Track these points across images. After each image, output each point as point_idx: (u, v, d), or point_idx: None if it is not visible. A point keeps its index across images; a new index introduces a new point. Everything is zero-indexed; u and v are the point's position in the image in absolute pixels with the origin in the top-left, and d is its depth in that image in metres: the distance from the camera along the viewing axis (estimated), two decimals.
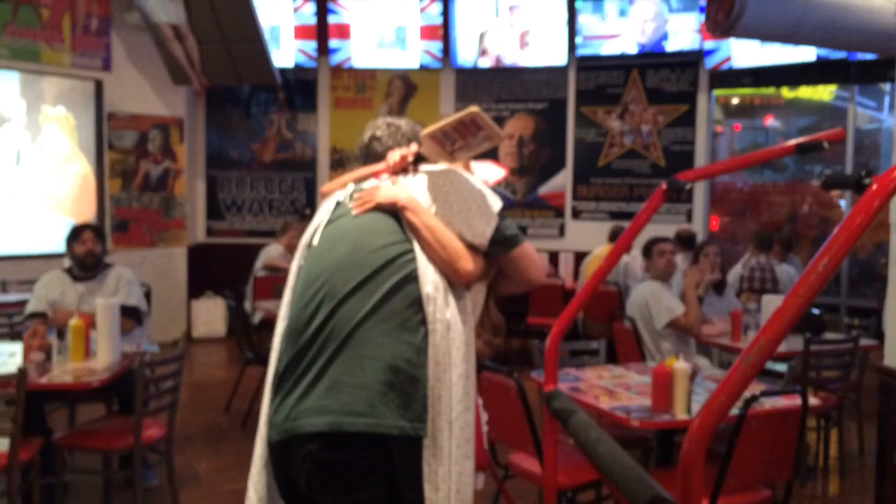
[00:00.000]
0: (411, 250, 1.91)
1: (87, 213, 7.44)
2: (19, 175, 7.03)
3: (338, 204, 2.06)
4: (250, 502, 1.91)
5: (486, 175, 2.23)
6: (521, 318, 7.13)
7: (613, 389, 3.32)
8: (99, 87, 7.56)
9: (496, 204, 2.03)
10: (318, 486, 1.79)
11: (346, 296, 1.84)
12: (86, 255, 4.24)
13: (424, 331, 1.84)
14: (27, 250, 6.93)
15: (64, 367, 3.57)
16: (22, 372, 3.13)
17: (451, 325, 1.87)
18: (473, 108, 1.95)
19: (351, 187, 2.10)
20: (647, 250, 4.56)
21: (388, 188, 2.00)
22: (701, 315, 4.44)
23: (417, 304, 1.86)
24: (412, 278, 1.88)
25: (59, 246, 4.63)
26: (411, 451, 1.79)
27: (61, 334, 3.75)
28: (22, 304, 4.62)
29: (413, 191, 2.00)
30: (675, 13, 7.94)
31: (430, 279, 1.88)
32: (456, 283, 1.93)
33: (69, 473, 3.75)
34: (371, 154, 2.19)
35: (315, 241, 1.99)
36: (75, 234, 4.30)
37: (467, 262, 1.93)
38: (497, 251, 2.02)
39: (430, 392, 1.82)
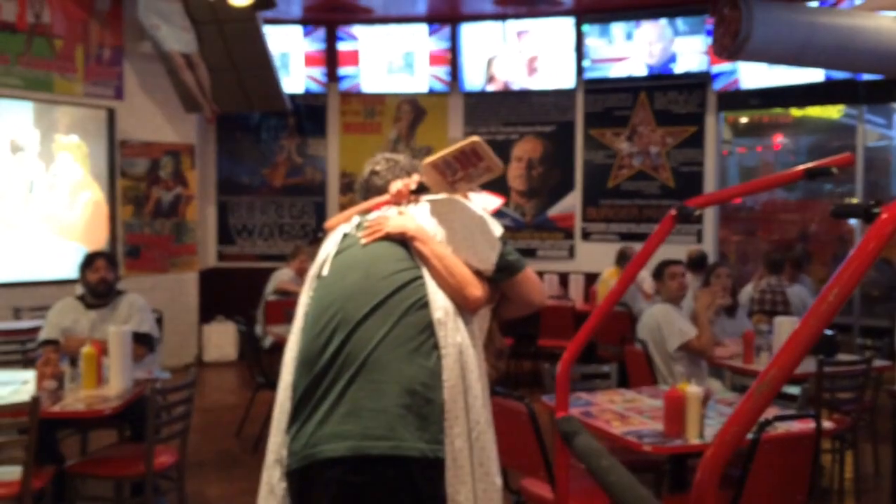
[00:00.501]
0: (420, 276, 1.96)
1: (100, 240, 7.50)
2: (33, 203, 7.11)
3: (345, 235, 2.10)
4: None
5: (484, 204, 2.26)
6: (532, 341, 7.12)
7: (625, 414, 3.31)
8: (111, 115, 7.64)
9: (498, 230, 2.08)
10: None
11: (359, 322, 1.88)
12: (98, 283, 4.27)
13: (437, 355, 1.88)
14: (40, 277, 6.98)
15: (76, 394, 3.58)
16: (35, 400, 3.14)
17: (462, 349, 1.91)
18: (474, 138, 1.99)
19: (356, 219, 2.14)
20: (659, 273, 4.55)
21: (397, 218, 2.03)
22: (713, 337, 4.42)
23: (429, 328, 1.89)
24: (423, 304, 1.92)
25: (72, 272, 4.66)
26: (433, 471, 1.82)
27: (74, 362, 3.76)
28: (35, 330, 4.64)
29: (418, 219, 2.04)
30: (681, 36, 7.98)
31: (439, 305, 1.91)
32: (465, 308, 1.96)
33: (81, 501, 3.75)
34: (371, 188, 2.25)
35: (325, 272, 2.03)
36: (88, 261, 4.33)
37: (476, 289, 1.97)
38: (502, 277, 2.06)
39: (447, 414, 1.85)
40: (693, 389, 2.95)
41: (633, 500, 1.56)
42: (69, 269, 5.64)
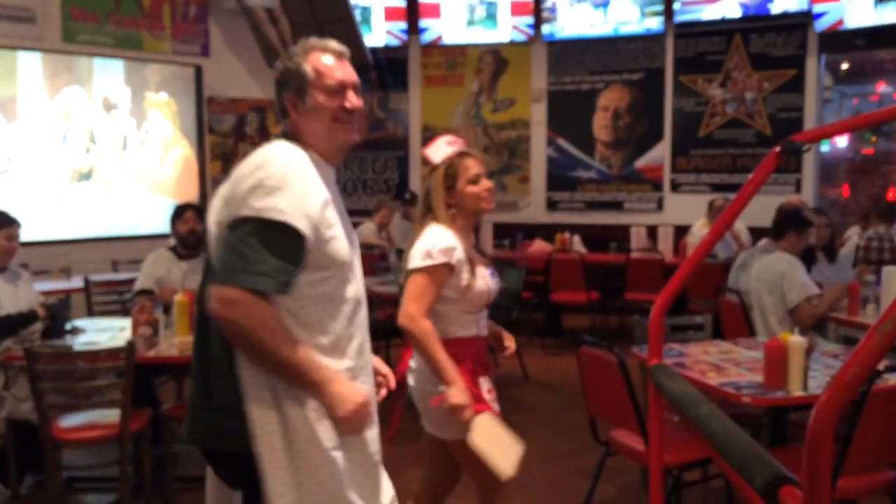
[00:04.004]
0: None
1: (190, 195, 7.69)
2: (126, 159, 7.32)
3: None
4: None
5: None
6: (619, 294, 6.97)
7: (721, 365, 3.17)
8: (198, 72, 7.77)
9: (263, 200, 1.67)
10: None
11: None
12: (188, 234, 4.35)
13: None
14: (135, 231, 7.22)
15: (170, 341, 3.68)
16: (130, 344, 3.24)
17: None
18: None
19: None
20: (800, 222, 4.23)
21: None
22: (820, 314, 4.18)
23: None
24: None
25: (165, 227, 4.77)
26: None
27: (167, 310, 3.86)
28: (131, 282, 4.80)
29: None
30: None
31: None
32: None
33: (177, 443, 3.87)
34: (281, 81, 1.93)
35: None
36: (178, 213, 4.42)
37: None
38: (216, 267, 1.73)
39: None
40: (796, 339, 2.78)
41: (737, 447, 1.46)
42: (162, 223, 5.80)
